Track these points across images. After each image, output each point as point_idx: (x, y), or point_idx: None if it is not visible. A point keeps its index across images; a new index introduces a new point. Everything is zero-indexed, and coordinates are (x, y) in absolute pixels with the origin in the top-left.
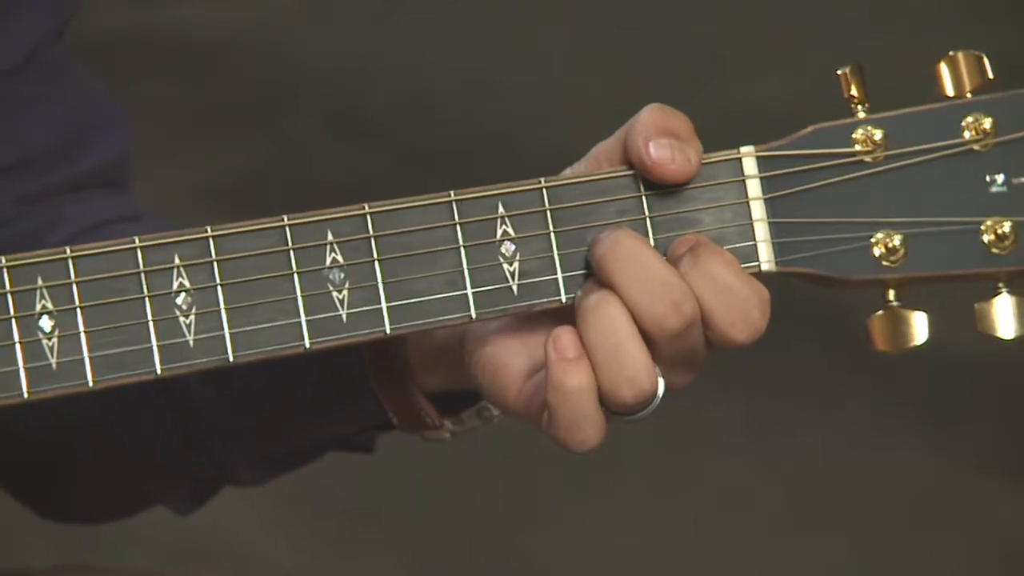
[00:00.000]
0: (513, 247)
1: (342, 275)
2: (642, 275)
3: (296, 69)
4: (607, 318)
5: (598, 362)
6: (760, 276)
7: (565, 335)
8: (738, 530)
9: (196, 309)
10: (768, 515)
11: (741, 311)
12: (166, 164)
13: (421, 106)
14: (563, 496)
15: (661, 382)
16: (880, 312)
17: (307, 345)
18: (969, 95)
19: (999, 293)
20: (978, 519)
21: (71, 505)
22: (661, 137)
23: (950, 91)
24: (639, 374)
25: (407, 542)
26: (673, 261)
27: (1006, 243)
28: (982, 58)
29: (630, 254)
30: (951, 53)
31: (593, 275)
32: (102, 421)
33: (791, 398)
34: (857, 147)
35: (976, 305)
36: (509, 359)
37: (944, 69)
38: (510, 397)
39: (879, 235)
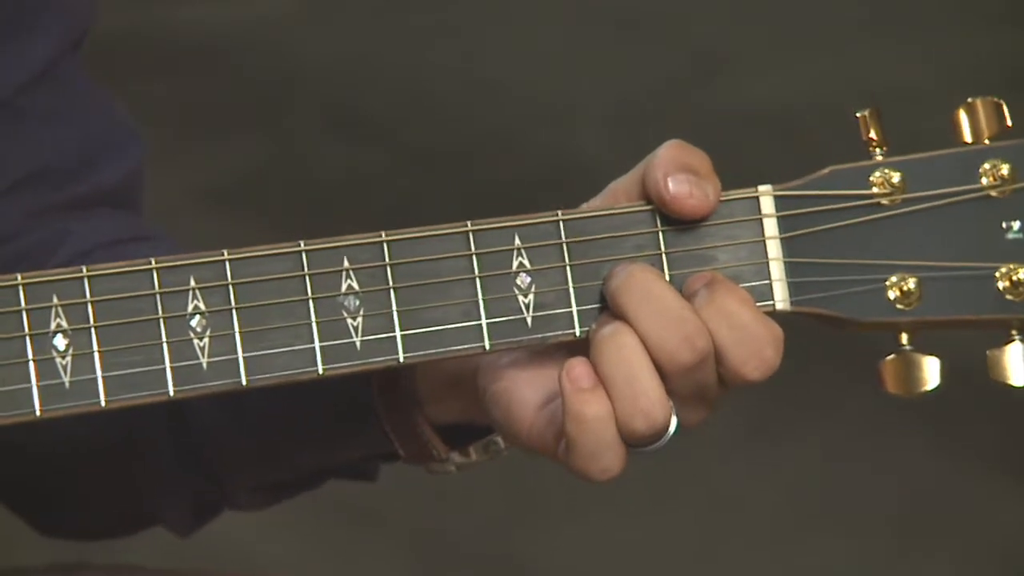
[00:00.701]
0: (529, 279)
1: (357, 302)
2: (656, 308)
3: (296, 69)
4: (621, 348)
5: (612, 394)
6: (774, 315)
7: (579, 366)
8: (739, 531)
9: (211, 332)
10: (769, 516)
11: (755, 349)
12: (166, 164)
13: (421, 106)
14: (564, 497)
15: (674, 418)
16: (892, 356)
17: (320, 371)
18: (987, 142)
19: (1012, 341)
20: (980, 520)
21: (70, 521)
22: (679, 172)
23: (968, 137)
24: (653, 406)
25: (408, 543)
26: (688, 297)
27: (1021, 290)
28: (1001, 105)
29: (644, 287)
30: (969, 100)
31: (608, 308)
32: (108, 438)
33: (792, 399)
34: (874, 189)
35: (988, 352)
36: (523, 392)
37: (963, 116)
38: (523, 430)
39: (894, 278)
